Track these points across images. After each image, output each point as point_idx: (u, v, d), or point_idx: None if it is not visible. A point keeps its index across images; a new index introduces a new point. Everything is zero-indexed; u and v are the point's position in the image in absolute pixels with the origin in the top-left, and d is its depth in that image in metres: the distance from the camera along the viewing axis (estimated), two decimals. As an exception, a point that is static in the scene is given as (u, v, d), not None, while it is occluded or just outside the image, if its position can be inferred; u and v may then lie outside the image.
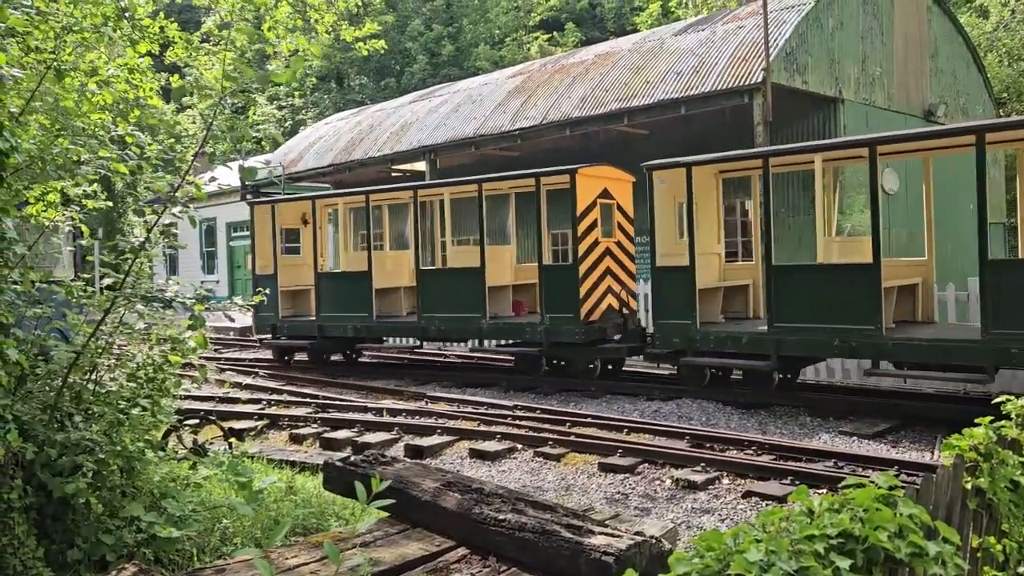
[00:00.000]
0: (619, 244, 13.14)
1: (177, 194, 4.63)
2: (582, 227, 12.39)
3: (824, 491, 6.59)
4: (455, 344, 16.90)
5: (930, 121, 18.52)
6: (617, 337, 12.47)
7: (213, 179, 5.17)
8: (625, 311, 12.65)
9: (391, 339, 15.89)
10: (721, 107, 16.07)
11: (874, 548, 2.13)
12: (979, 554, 3.01)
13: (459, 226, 15.93)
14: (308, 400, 11.60)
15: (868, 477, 2.57)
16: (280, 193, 21.13)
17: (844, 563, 2.02)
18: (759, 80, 14.77)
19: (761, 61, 14.93)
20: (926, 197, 11.29)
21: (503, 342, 14.25)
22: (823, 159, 10.48)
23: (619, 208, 13.19)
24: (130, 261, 4.58)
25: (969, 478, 2.94)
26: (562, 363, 12.94)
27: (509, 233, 15.86)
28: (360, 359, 16.18)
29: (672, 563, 2.02)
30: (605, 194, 12.91)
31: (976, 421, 3.19)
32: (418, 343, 15.12)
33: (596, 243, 12.59)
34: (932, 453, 8.19)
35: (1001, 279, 8.84)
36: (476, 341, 14.66)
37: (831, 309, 9.80)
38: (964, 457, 2.98)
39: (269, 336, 16.02)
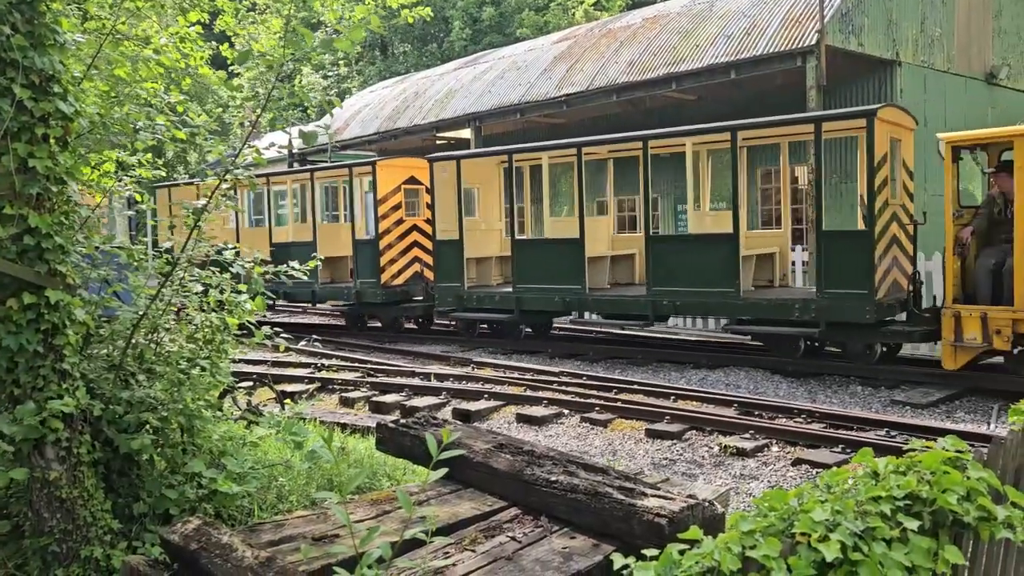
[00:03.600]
0: (429, 221, 15.27)
1: (236, 159, 4.68)
2: (383, 209, 14.99)
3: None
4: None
5: (992, 84, 17.85)
6: (420, 298, 15.38)
7: (272, 145, 5.22)
8: (429, 277, 15.09)
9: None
10: (773, 71, 15.68)
11: (941, 511, 2.10)
12: (1046, 521, 2.95)
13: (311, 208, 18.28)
14: (357, 365, 11.78)
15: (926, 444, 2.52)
16: (327, 161, 21.30)
17: (912, 524, 1.99)
18: (813, 42, 14.36)
19: (815, 23, 14.51)
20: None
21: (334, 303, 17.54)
22: (548, 158, 13.35)
23: (428, 191, 15.21)
24: (191, 225, 4.65)
25: (1038, 444, 2.87)
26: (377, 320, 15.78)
27: (357, 213, 18.07)
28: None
29: (735, 521, 2.01)
30: (412, 180, 15.48)
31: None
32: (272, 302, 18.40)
33: (400, 221, 15.29)
34: (988, 424, 8.01)
35: (654, 250, 11.79)
36: (311, 302, 17.43)
37: (553, 273, 12.71)
38: (1033, 423, 2.90)
39: None
